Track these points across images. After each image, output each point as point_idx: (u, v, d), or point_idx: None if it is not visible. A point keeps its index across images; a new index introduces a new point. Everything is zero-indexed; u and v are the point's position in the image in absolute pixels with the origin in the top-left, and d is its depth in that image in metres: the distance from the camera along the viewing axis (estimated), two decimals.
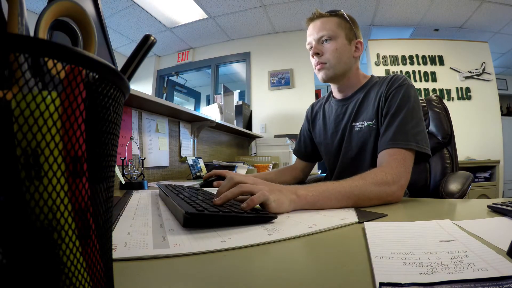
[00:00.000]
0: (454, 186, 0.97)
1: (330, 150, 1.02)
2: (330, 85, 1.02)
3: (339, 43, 0.89)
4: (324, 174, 1.21)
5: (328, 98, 1.08)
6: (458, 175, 1.03)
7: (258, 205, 0.54)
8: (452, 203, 0.71)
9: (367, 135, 0.88)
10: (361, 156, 0.90)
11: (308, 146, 1.16)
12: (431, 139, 1.16)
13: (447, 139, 1.17)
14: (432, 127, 1.20)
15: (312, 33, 0.92)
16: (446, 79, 3.58)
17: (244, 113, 2.99)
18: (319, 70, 0.92)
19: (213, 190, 0.73)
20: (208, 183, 0.94)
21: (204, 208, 0.44)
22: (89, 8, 0.44)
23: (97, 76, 0.17)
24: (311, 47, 0.92)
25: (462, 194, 0.94)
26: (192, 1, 3.08)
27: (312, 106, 1.15)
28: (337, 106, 1.00)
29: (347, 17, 0.92)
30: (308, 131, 1.15)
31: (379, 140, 0.81)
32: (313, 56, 0.92)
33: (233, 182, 0.56)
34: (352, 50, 0.92)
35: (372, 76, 0.97)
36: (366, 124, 0.89)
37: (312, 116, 1.13)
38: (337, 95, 1.01)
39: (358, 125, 0.91)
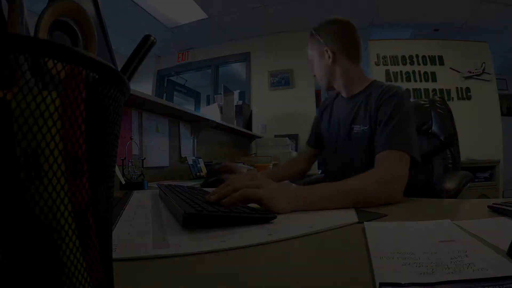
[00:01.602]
0: (449, 184, 0.97)
1: (331, 147, 1.05)
2: None
3: (315, 63, 1.01)
4: (324, 174, 1.21)
5: (338, 94, 1.11)
6: (456, 174, 1.03)
7: (257, 205, 0.54)
8: (452, 203, 0.72)
9: (364, 137, 0.90)
10: (358, 158, 0.92)
11: (318, 131, 1.19)
12: (433, 140, 1.17)
13: (450, 140, 1.17)
14: (435, 128, 1.20)
15: None
16: (446, 79, 3.57)
17: (244, 113, 2.98)
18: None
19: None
20: (209, 183, 0.95)
21: (203, 208, 0.44)
22: (89, 8, 0.44)
23: (97, 76, 0.17)
24: None
25: (456, 192, 0.95)
26: (192, 1, 3.08)
27: (325, 100, 1.20)
28: (342, 105, 1.03)
29: (314, 31, 0.99)
30: (318, 120, 1.20)
31: (375, 142, 0.83)
32: None
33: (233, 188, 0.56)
34: (326, 61, 0.97)
35: (375, 80, 0.99)
36: (363, 127, 0.91)
37: (323, 108, 1.18)
38: (342, 93, 1.04)
39: (356, 127, 0.94)
